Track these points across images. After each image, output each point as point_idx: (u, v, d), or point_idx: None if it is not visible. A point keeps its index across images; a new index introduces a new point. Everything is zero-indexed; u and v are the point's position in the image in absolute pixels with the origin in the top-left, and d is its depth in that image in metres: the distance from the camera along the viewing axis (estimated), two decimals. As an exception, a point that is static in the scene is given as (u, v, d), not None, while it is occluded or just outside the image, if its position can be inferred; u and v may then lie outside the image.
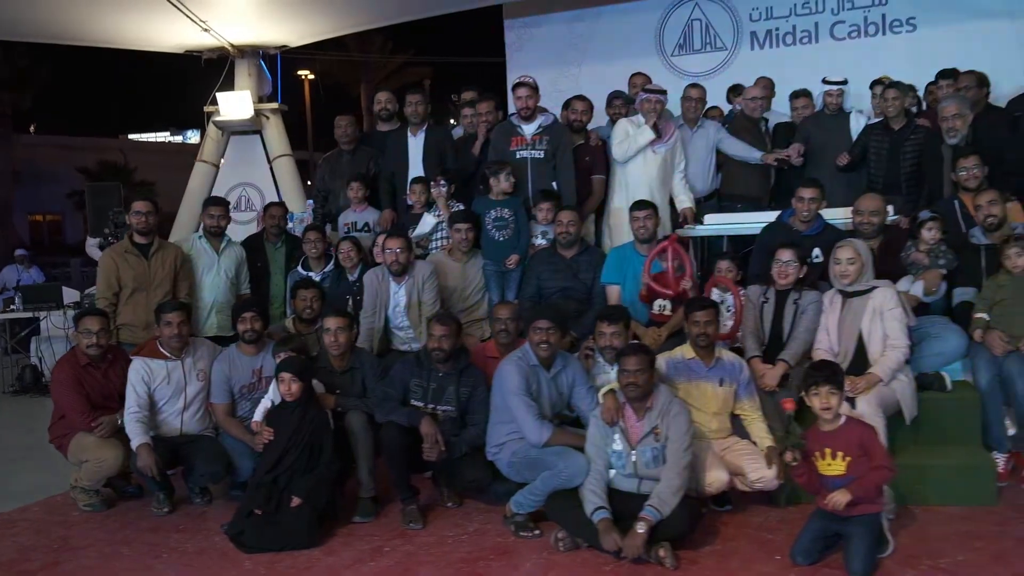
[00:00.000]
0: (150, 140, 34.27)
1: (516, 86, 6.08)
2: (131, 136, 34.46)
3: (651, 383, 4.16)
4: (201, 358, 5.06)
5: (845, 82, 6.63)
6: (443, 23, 10.50)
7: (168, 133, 39.62)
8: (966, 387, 4.83)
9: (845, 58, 8.83)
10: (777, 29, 9.45)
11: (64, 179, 22.91)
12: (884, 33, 9.05)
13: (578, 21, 10.15)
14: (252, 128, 9.83)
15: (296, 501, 4.34)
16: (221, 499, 5.06)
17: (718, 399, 4.48)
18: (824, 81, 6.70)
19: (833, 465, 3.82)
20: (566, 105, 6.51)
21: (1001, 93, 6.84)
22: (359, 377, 4.83)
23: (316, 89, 24.91)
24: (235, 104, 9.63)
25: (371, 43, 25.46)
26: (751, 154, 6.57)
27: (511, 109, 7.39)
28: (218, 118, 9.71)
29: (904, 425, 4.60)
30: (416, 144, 6.44)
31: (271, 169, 9.84)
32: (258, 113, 9.75)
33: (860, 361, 4.60)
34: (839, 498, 3.71)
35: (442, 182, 6.07)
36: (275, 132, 9.86)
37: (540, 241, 5.77)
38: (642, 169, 6.24)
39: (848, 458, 3.79)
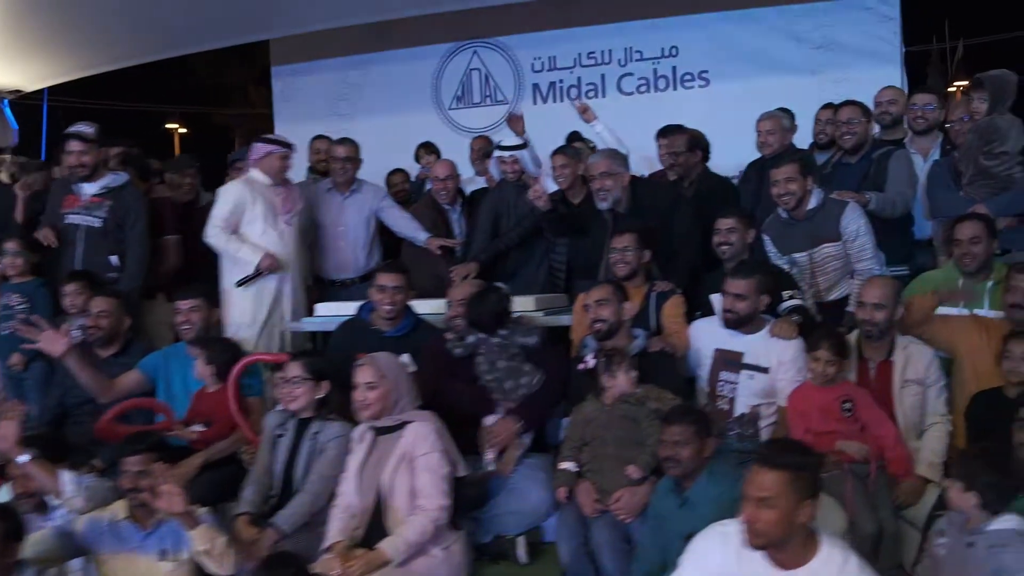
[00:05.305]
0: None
1: (65, 138, 4.77)
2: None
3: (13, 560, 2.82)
4: None
5: (524, 146, 5.36)
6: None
7: None
8: (552, 557, 3.48)
9: (633, 113, 7.68)
10: (561, 81, 8.30)
11: None
12: (675, 88, 7.95)
13: (351, 69, 8.95)
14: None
15: None
16: None
17: (158, 581, 3.12)
18: (498, 147, 5.45)
19: None
20: None
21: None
22: None
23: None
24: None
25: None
26: (416, 234, 5.30)
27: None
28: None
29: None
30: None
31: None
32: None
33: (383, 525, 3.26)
34: None
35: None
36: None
37: (75, 335, 4.40)
38: (278, 245, 4.92)
39: None
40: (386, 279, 4.06)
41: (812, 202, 4.18)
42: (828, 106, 5.18)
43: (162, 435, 3.57)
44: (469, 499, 3.51)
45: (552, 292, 4.99)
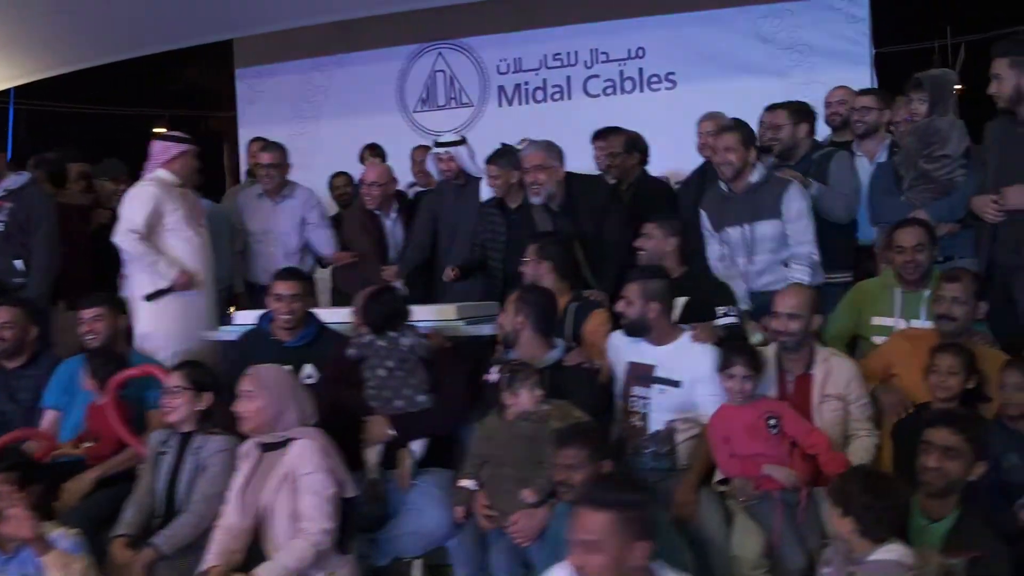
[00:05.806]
0: None
1: None
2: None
3: None
4: None
5: (462, 142, 5.20)
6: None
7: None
8: (450, 579, 3.31)
9: (599, 115, 7.48)
10: (527, 84, 8.13)
11: None
12: (642, 90, 7.78)
13: (315, 71, 8.78)
14: None
15: None
16: None
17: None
18: (435, 144, 5.28)
19: None
20: None
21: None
22: None
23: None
24: None
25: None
26: (325, 251, 5.28)
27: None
28: None
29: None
30: None
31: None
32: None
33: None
34: None
35: None
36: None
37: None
38: (201, 251, 4.69)
39: None
40: (281, 287, 3.87)
41: (754, 176, 4.00)
42: (771, 107, 4.98)
43: (23, 451, 3.37)
44: (366, 519, 3.33)
45: (490, 300, 4.79)
